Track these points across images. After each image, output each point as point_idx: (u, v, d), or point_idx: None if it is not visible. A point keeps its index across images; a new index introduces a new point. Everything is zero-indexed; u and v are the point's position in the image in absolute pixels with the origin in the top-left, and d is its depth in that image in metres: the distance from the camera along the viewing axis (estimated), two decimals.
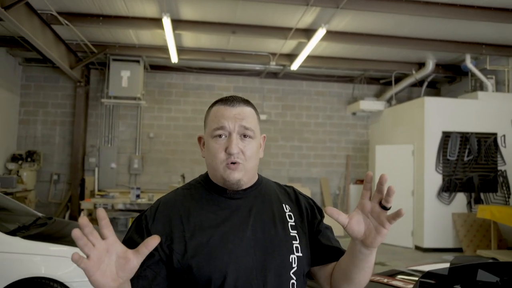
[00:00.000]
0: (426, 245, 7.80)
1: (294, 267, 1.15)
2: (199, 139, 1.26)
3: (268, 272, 1.13)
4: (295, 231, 1.21)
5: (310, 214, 1.29)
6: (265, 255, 1.13)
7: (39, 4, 5.96)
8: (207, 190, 1.21)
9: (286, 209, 1.26)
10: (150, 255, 1.05)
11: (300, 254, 1.18)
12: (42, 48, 6.48)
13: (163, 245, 1.09)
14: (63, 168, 9.20)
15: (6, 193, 6.21)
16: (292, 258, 1.16)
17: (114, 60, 8.42)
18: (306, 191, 9.46)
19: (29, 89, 9.19)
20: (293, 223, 1.23)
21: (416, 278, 2.69)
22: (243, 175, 1.17)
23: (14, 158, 8.62)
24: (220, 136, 1.15)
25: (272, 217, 1.21)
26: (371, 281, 2.83)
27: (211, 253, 1.09)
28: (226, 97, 1.21)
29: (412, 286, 2.32)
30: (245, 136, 1.16)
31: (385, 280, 2.72)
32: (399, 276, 2.79)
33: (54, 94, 9.24)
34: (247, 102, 1.21)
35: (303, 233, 1.23)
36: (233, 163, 1.15)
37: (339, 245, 1.26)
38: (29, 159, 8.74)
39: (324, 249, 1.23)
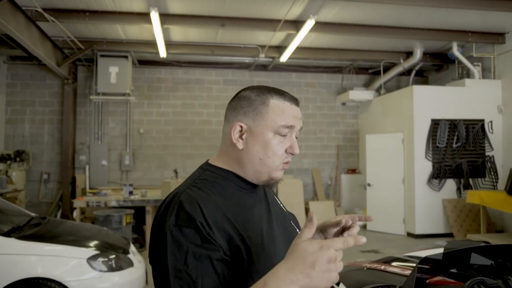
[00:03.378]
0: (418, 231, 7.91)
1: None
2: (236, 126, 1.10)
3: None
4: (295, 227, 1.25)
5: None
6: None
7: (23, 1, 5.86)
8: (233, 186, 1.11)
9: (281, 203, 1.27)
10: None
11: None
12: (28, 45, 6.38)
13: (228, 253, 0.98)
14: (53, 167, 9.11)
15: None
16: None
17: (102, 56, 8.32)
18: (298, 182, 9.52)
19: (15, 87, 9.04)
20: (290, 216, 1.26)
21: (412, 264, 2.74)
22: None
23: (2, 158, 8.50)
24: (285, 135, 1.09)
25: (280, 209, 1.22)
26: (368, 268, 2.88)
27: (269, 254, 1.04)
28: (281, 91, 1.13)
29: (409, 272, 2.36)
30: (296, 137, 1.14)
31: (382, 267, 2.76)
32: (395, 263, 2.84)
33: (41, 92, 9.12)
34: (297, 99, 1.17)
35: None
36: (286, 163, 1.12)
37: None
38: (17, 159, 8.63)
39: None
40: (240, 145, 1.09)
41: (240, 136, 1.10)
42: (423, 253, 2.78)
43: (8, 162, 8.48)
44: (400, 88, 9.24)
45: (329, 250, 0.82)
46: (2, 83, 8.90)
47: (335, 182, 10.10)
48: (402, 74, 9.42)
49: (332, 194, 10.02)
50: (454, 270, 2.11)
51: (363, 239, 0.85)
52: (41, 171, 9.05)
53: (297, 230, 1.23)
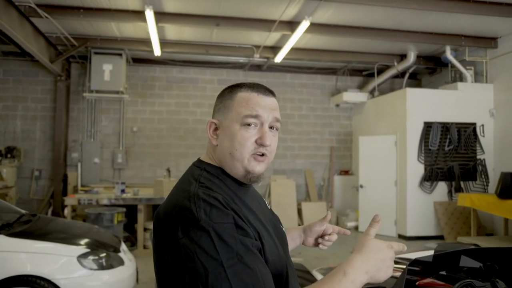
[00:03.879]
0: (409, 233, 7.96)
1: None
2: (211, 124, 1.13)
3: (289, 264, 1.11)
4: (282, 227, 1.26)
5: None
6: (284, 248, 1.12)
7: None
8: (230, 183, 1.09)
9: (269, 205, 1.29)
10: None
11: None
12: (21, 41, 6.32)
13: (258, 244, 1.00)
14: (44, 164, 9.04)
15: None
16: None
17: (96, 53, 8.28)
18: (291, 183, 9.53)
19: (7, 83, 8.97)
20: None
21: (402, 266, 2.75)
22: (264, 169, 1.10)
23: None
24: (250, 124, 1.05)
25: (268, 208, 1.23)
26: None
27: (276, 250, 1.05)
28: (253, 83, 1.12)
29: (399, 273, 2.37)
30: (272, 128, 1.10)
31: None
32: None
33: (33, 89, 9.04)
34: (274, 93, 1.14)
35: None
36: (262, 154, 1.07)
37: None
38: (9, 155, 8.56)
39: None
40: (214, 141, 1.11)
41: (215, 132, 1.12)
42: (413, 255, 2.79)
43: None
44: (394, 90, 9.29)
45: (393, 249, 1.00)
46: None
47: (327, 183, 10.12)
48: (396, 76, 9.48)
49: (325, 195, 10.04)
50: (443, 273, 2.12)
51: (405, 247, 1.03)
52: (33, 168, 8.98)
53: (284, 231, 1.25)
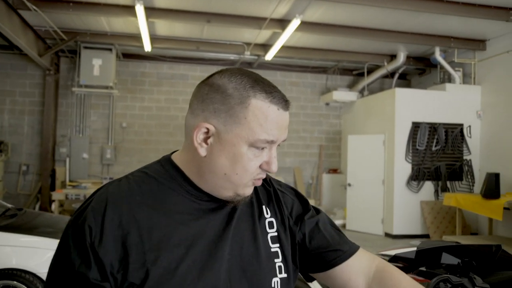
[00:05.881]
0: (395, 232, 8.04)
1: None
2: (200, 129, 0.85)
3: None
4: (277, 245, 0.96)
5: (294, 213, 1.02)
6: (241, 283, 0.88)
7: None
8: (175, 189, 0.89)
9: (267, 214, 0.98)
10: None
11: (284, 275, 0.94)
12: (9, 34, 6.25)
13: (116, 274, 0.79)
14: (32, 158, 8.97)
15: None
16: (274, 282, 0.92)
17: (85, 48, 8.22)
18: (279, 180, 9.55)
19: None
20: (275, 233, 0.96)
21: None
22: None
23: None
24: (263, 148, 0.86)
25: (253, 228, 0.94)
26: None
27: (181, 285, 0.81)
28: (269, 85, 0.87)
29: None
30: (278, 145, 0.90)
31: None
32: None
33: (22, 83, 8.95)
34: (288, 100, 0.90)
35: (288, 244, 0.98)
36: (259, 179, 0.90)
37: (340, 240, 1.03)
38: None
39: (320, 255, 1.00)
40: (202, 151, 0.85)
41: (205, 140, 0.85)
42: (396, 252, 2.84)
43: None
44: (383, 90, 9.36)
45: None
46: None
47: (316, 182, 10.18)
48: (386, 76, 9.55)
49: (313, 193, 10.10)
50: (423, 269, 2.17)
51: None
52: (20, 162, 8.90)
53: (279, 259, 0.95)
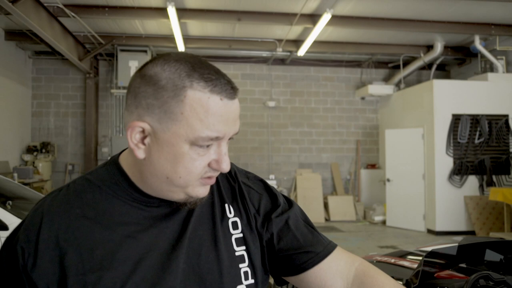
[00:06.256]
0: (438, 228, 7.79)
1: None
2: (134, 129, 0.74)
3: None
4: (243, 247, 0.85)
5: (261, 211, 0.90)
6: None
7: None
8: (121, 197, 0.79)
9: (230, 213, 0.87)
10: None
11: (250, 282, 0.83)
12: (51, 40, 6.55)
13: None
14: (77, 158, 9.36)
15: (24, 184, 6.34)
16: None
17: (122, 50, 8.47)
18: (317, 176, 9.49)
19: (40, 81, 9.30)
20: (240, 235, 0.85)
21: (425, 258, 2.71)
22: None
23: (29, 150, 8.80)
24: (209, 146, 0.74)
25: (213, 231, 0.83)
26: (378, 261, 2.87)
27: None
28: (215, 74, 0.73)
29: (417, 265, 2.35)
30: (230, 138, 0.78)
31: (392, 260, 2.74)
32: (409, 257, 2.81)
33: (64, 86, 9.35)
34: (235, 85, 0.77)
35: (255, 246, 0.86)
36: (209, 177, 0.78)
37: (313, 239, 0.89)
38: (43, 150, 8.90)
39: (290, 258, 0.87)
40: (140, 153, 0.74)
41: (142, 140, 0.74)
42: (435, 248, 2.75)
43: (35, 153, 8.77)
44: (421, 82, 9.07)
45: None
46: (28, 77, 9.17)
47: (354, 177, 10.02)
48: (423, 68, 9.26)
49: (351, 189, 9.95)
50: (463, 265, 2.09)
51: None
52: (66, 162, 9.31)
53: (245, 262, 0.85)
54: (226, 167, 0.75)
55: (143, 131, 0.73)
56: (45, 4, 6.20)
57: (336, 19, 6.79)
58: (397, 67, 9.57)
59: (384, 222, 8.91)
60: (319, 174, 9.62)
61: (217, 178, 0.86)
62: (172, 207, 0.80)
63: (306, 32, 7.67)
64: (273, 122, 9.80)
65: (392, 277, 2.24)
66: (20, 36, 7.88)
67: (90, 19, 7.04)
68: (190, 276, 0.77)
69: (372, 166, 10.04)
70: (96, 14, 6.67)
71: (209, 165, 0.75)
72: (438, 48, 8.36)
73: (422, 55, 8.75)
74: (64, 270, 0.71)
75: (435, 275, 2.07)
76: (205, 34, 8.21)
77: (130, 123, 0.74)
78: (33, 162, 8.63)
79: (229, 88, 0.73)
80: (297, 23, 6.93)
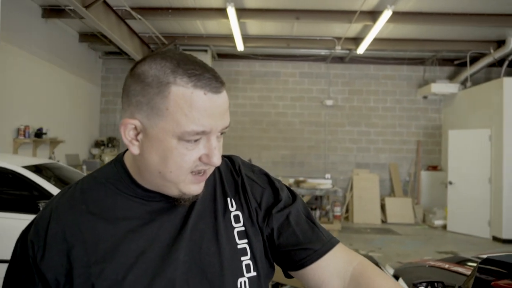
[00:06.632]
0: (505, 235, 7.33)
1: None
2: (126, 126, 0.78)
3: None
4: (245, 240, 0.87)
5: (263, 205, 0.91)
6: (201, 285, 0.81)
7: (114, 1, 6.40)
8: (123, 193, 0.83)
9: (232, 207, 0.89)
10: None
11: (252, 274, 0.85)
12: (119, 42, 6.97)
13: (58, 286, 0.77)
14: None
15: None
16: (241, 282, 0.84)
17: (183, 50, 8.80)
18: (374, 177, 9.29)
19: (108, 80, 9.92)
20: (242, 228, 0.88)
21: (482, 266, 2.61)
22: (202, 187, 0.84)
23: (97, 144, 9.43)
24: (196, 140, 0.76)
25: (214, 225, 0.86)
26: (431, 266, 2.79)
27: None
28: (200, 69, 0.76)
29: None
30: (220, 133, 0.81)
31: (447, 266, 2.67)
32: (467, 264, 2.72)
33: None
34: (221, 79, 0.80)
35: (257, 240, 0.88)
36: (203, 173, 0.80)
37: (313, 236, 0.89)
38: (109, 145, 9.50)
39: (289, 254, 0.88)
40: (134, 149, 0.78)
41: (136, 137, 0.78)
42: (491, 255, 2.64)
43: (102, 147, 9.38)
44: (490, 80, 8.56)
45: None
46: (98, 76, 9.80)
47: (414, 179, 9.68)
48: (493, 65, 8.72)
49: (410, 191, 9.62)
50: None
51: None
52: None
53: (247, 257, 0.87)
54: (216, 161, 0.77)
55: (135, 128, 0.77)
56: (114, 8, 6.60)
57: (398, 16, 6.60)
58: (463, 64, 9.10)
59: (444, 227, 8.54)
60: (376, 175, 9.41)
61: (220, 172, 0.92)
62: (171, 203, 0.83)
63: (365, 30, 7.52)
64: (330, 121, 9.71)
65: (442, 283, 2.19)
66: (92, 38, 8.45)
67: (155, 20, 7.39)
68: (192, 268, 0.80)
69: (434, 168, 9.64)
70: (160, 16, 6.98)
71: (200, 159, 0.77)
72: (510, 43, 7.83)
73: (492, 51, 8.24)
74: (70, 263, 0.76)
75: (492, 283, 2.00)
76: (263, 33, 8.31)
77: (122, 121, 0.78)
78: (100, 156, 9.21)
79: (213, 82, 0.75)
80: (356, 21, 6.81)
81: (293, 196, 0.95)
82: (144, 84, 0.74)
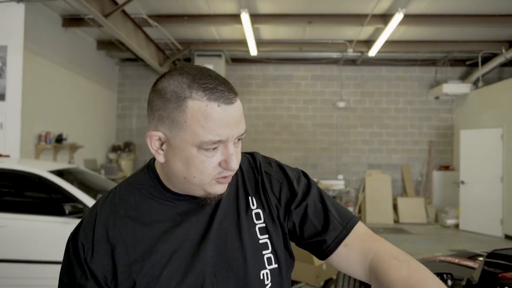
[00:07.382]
0: None
1: (267, 284, 0.92)
2: (152, 138, 0.87)
3: None
4: (266, 236, 0.95)
5: (282, 200, 0.98)
6: (227, 278, 0.90)
7: (132, 9, 6.63)
8: (156, 197, 0.93)
9: (253, 205, 0.97)
10: None
11: (274, 266, 0.94)
12: (135, 49, 7.19)
13: (110, 284, 0.87)
14: None
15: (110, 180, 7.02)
16: (263, 274, 0.92)
17: (198, 55, 8.99)
18: (386, 177, 9.37)
19: (124, 86, 10.17)
20: (262, 224, 0.96)
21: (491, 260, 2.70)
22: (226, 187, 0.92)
23: (114, 149, 9.65)
24: (214, 148, 0.83)
25: (237, 222, 0.94)
26: (441, 261, 2.90)
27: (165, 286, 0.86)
28: (213, 83, 0.82)
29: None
30: (238, 139, 0.88)
31: (456, 260, 2.77)
32: (478, 259, 2.81)
33: (146, 90, 10.07)
34: (234, 90, 0.86)
35: (277, 234, 0.96)
36: (224, 177, 0.88)
37: (330, 225, 0.95)
38: (126, 150, 9.71)
39: (313, 245, 0.97)
40: (160, 158, 0.88)
41: (161, 147, 0.87)
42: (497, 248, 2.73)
43: (119, 152, 9.60)
44: (503, 80, 8.60)
45: None
46: (115, 82, 10.06)
47: (426, 179, 9.74)
48: (505, 65, 8.75)
49: (423, 191, 9.68)
50: None
51: None
52: (146, 160, 10.02)
53: (269, 251, 0.95)
54: (234, 166, 0.84)
55: (159, 139, 0.86)
56: (132, 16, 6.82)
57: (409, 18, 6.71)
58: (475, 65, 9.15)
59: (457, 226, 8.59)
60: (389, 175, 9.49)
61: (242, 171, 1.01)
62: (199, 204, 0.92)
63: (377, 32, 7.63)
64: (343, 123, 9.82)
65: (451, 274, 2.31)
66: (109, 45, 8.71)
67: (170, 27, 7.60)
68: (219, 262, 0.90)
69: (446, 167, 9.69)
70: (176, 23, 7.18)
71: (220, 165, 0.85)
72: None
73: (503, 51, 8.29)
74: (114, 262, 0.87)
75: (499, 275, 2.12)
76: (276, 38, 8.47)
77: (148, 133, 0.86)
78: (117, 160, 9.42)
79: (226, 94, 0.81)
80: (368, 24, 6.93)
81: (308, 184, 1.01)
82: (164, 99, 0.82)
